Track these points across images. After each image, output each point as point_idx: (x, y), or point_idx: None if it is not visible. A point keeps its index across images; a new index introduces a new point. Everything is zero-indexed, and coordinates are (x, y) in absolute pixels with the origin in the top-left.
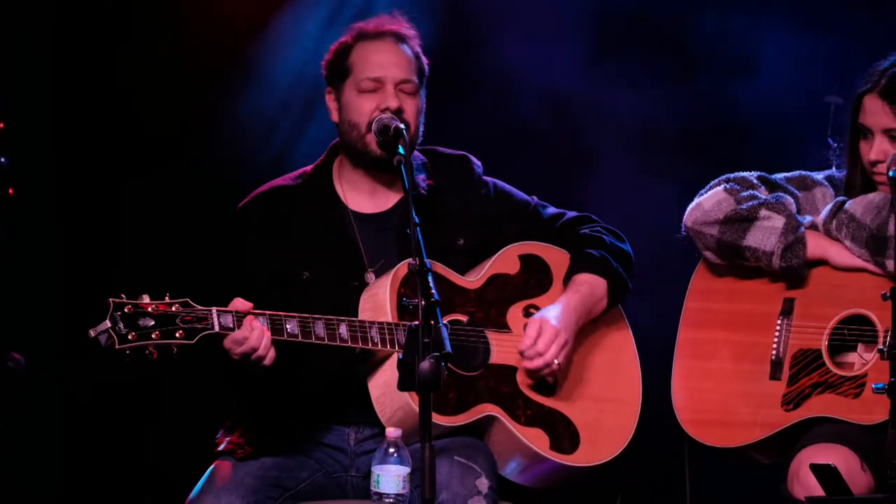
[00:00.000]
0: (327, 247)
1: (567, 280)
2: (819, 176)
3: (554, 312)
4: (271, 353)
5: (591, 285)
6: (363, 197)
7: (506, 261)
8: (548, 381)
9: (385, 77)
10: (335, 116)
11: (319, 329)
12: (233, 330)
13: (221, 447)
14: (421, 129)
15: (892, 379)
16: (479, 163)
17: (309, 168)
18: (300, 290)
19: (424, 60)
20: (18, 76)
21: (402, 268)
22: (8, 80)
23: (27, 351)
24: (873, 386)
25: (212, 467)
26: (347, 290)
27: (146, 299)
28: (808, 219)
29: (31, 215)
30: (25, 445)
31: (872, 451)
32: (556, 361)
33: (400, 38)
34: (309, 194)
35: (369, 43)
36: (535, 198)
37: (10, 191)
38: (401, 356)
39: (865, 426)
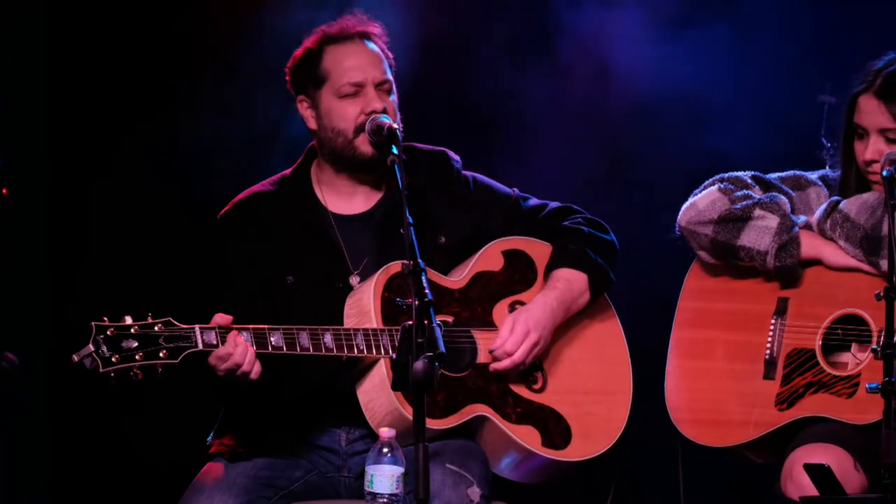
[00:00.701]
0: (310, 250)
1: (546, 277)
2: (813, 176)
3: (528, 314)
4: (256, 367)
5: (568, 281)
6: (343, 199)
7: (489, 258)
8: (537, 377)
9: (365, 80)
10: (312, 124)
11: (304, 339)
12: (216, 346)
13: (213, 450)
14: (401, 125)
15: (886, 379)
16: (457, 158)
17: (287, 172)
18: (285, 294)
19: (390, 55)
20: (13, 77)
21: (384, 272)
22: (2, 80)
23: (21, 351)
24: (867, 386)
25: (206, 465)
26: (332, 292)
27: (128, 321)
28: (802, 218)
29: (26, 216)
30: (18, 445)
31: (866, 450)
32: (525, 361)
33: (368, 37)
34: (288, 198)
35: (340, 46)
36: (515, 190)
37: (4, 191)
38: (394, 356)
39: (859, 426)
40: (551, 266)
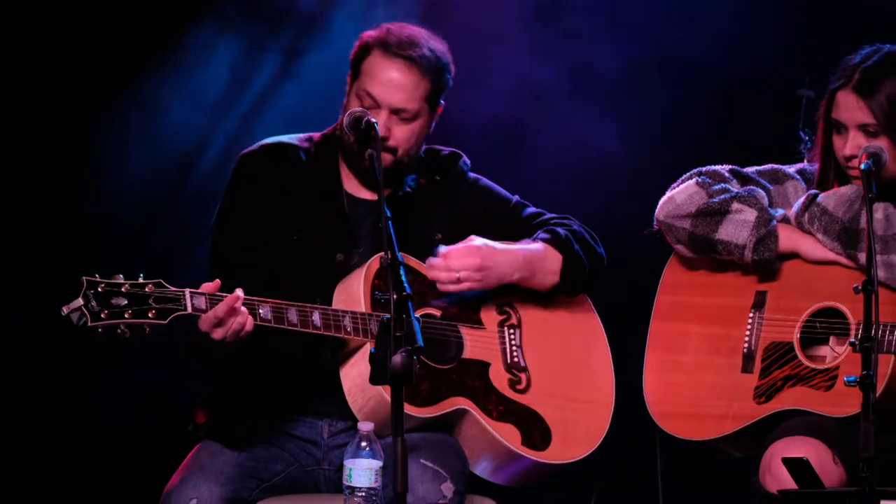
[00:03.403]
0: (321, 216)
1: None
2: (791, 169)
3: (490, 241)
4: (248, 325)
5: (545, 252)
6: (354, 182)
7: None
8: (521, 378)
9: (382, 99)
10: (345, 101)
11: (292, 315)
12: (205, 311)
13: (200, 432)
14: (416, 148)
15: (864, 372)
16: (467, 160)
17: (317, 135)
18: (286, 250)
19: (448, 73)
20: None
21: (375, 260)
22: None
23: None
24: (845, 379)
25: (192, 453)
26: (331, 263)
27: (120, 278)
28: (780, 212)
29: (3, 204)
30: None
31: (844, 443)
32: (457, 275)
33: (413, 62)
34: (313, 161)
35: (383, 58)
36: (517, 197)
37: None
38: (373, 350)
39: (837, 419)
40: (535, 238)
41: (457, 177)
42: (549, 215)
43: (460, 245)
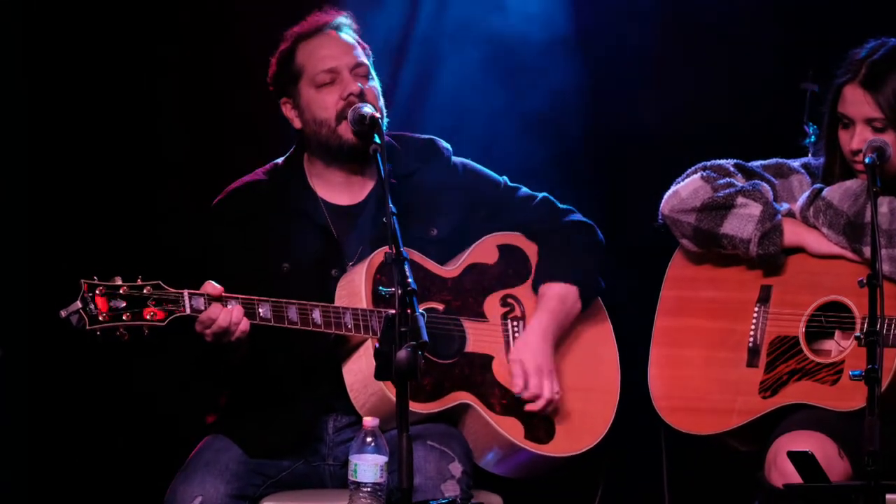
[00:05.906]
0: (304, 237)
1: (535, 288)
2: (795, 163)
3: (530, 350)
4: (244, 325)
5: (560, 297)
6: (336, 189)
7: (484, 250)
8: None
9: (339, 66)
10: (297, 123)
11: (292, 313)
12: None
13: (211, 420)
14: (384, 110)
15: (869, 366)
16: (447, 146)
17: (280, 161)
18: (280, 281)
19: (365, 45)
20: None
21: (377, 255)
22: None
23: (2, 343)
24: (850, 373)
25: (198, 447)
26: (328, 279)
27: (118, 281)
28: (784, 206)
29: (4, 206)
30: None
31: (850, 438)
32: (556, 393)
33: (338, 28)
34: (282, 187)
35: (311, 40)
36: (505, 178)
37: None
38: (377, 346)
39: (843, 413)
40: (541, 278)
41: (441, 165)
42: (540, 199)
43: (523, 376)
